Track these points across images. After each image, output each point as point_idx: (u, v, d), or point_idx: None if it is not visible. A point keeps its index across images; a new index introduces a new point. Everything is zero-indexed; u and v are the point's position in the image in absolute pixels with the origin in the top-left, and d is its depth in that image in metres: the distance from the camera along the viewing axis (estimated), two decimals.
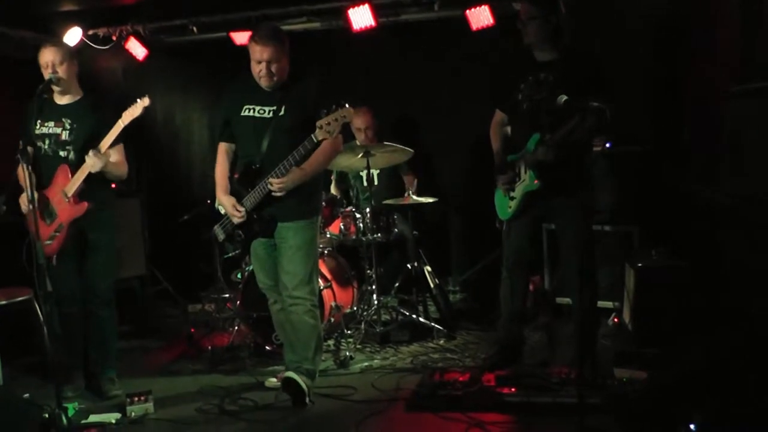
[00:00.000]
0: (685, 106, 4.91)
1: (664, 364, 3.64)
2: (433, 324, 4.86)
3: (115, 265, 4.28)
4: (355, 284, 5.03)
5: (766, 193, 3.52)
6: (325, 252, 5.00)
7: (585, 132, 3.63)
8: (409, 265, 5.12)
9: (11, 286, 4.16)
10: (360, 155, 4.77)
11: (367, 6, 5.46)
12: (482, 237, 5.58)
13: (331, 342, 4.81)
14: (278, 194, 3.62)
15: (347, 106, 3.44)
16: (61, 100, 4.00)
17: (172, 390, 4.14)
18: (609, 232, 4.86)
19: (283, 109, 3.67)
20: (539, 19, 3.73)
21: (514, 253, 4.05)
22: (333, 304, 4.70)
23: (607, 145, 4.85)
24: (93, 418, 3.72)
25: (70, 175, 3.85)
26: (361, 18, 5.50)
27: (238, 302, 4.83)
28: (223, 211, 3.88)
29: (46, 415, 3.45)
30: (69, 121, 3.94)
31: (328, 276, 4.77)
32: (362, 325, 4.82)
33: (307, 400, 3.73)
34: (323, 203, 4.85)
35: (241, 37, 5.72)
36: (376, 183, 5.34)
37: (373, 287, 4.90)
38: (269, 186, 3.61)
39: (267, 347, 4.57)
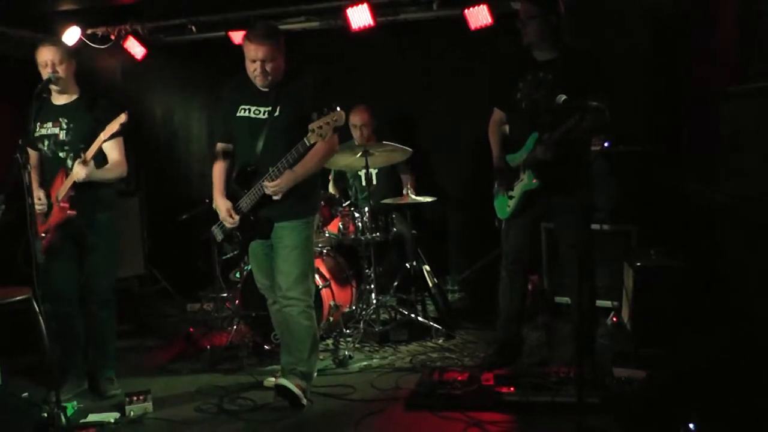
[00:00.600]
0: (684, 105, 4.91)
1: (663, 364, 3.65)
2: (431, 323, 4.86)
3: (115, 266, 4.26)
4: (354, 283, 5.03)
5: (764, 192, 3.52)
6: (324, 251, 5.00)
7: (584, 131, 3.63)
8: (407, 265, 5.13)
9: (10, 286, 4.15)
10: (358, 154, 4.77)
11: (365, 5, 5.46)
12: (481, 236, 5.58)
13: (329, 341, 4.81)
14: (274, 197, 3.60)
15: (338, 109, 3.41)
16: (59, 100, 3.99)
17: (171, 389, 4.13)
18: (608, 231, 4.86)
19: (278, 109, 3.64)
20: (538, 18, 3.74)
21: (512, 252, 4.05)
22: (332, 303, 4.70)
23: (606, 144, 4.85)
24: (92, 417, 3.71)
25: (64, 179, 3.84)
26: (359, 17, 5.50)
27: (237, 301, 4.84)
28: None
29: (45, 415, 3.44)
30: (66, 120, 3.93)
31: (327, 275, 4.78)
32: (361, 325, 4.83)
33: (304, 401, 3.71)
34: (322, 202, 4.87)
35: (239, 37, 5.68)
36: (374, 182, 5.34)
37: (372, 286, 4.90)
38: (264, 189, 3.60)
39: (266, 346, 4.56)
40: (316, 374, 3.91)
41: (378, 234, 4.86)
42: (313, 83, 3.75)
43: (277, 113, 3.64)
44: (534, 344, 4.47)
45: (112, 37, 6.10)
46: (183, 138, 6.82)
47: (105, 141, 3.77)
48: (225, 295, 5.27)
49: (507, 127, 4.08)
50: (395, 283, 5.18)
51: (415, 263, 5.11)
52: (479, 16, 5.34)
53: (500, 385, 3.66)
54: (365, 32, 5.58)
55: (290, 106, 3.63)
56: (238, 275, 5.00)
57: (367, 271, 4.98)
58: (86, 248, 3.99)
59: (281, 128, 3.62)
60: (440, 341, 4.75)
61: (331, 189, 5.71)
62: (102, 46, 6.12)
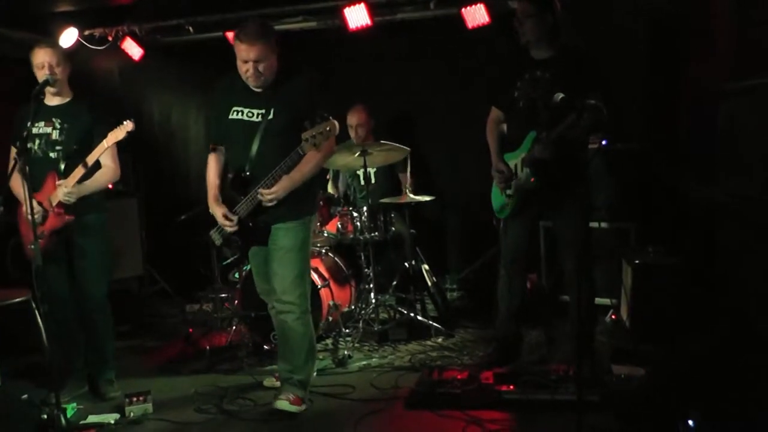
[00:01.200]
0: (682, 103, 4.92)
1: (662, 361, 3.65)
2: (431, 322, 4.87)
3: (108, 269, 4.19)
4: (353, 283, 5.03)
5: (762, 190, 3.53)
6: (323, 251, 5.00)
7: (582, 130, 3.63)
8: (406, 264, 5.13)
9: (9, 287, 4.15)
10: (357, 154, 4.77)
11: (362, 5, 5.46)
12: (479, 235, 5.59)
13: (329, 341, 4.81)
14: (270, 204, 3.52)
15: (331, 118, 3.35)
16: (52, 101, 3.94)
17: (171, 390, 4.14)
18: (606, 229, 4.87)
19: (272, 111, 3.53)
20: (535, 17, 3.74)
21: (511, 251, 4.06)
22: (331, 302, 4.70)
23: (604, 142, 4.85)
24: (92, 418, 3.71)
25: (56, 182, 3.80)
26: (357, 17, 5.51)
27: (236, 302, 4.84)
28: None
29: (45, 416, 3.45)
30: (59, 121, 3.89)
31: (326, 275, 4.78)
32: (360, 324, 4.83)
33: (303, 408, 3.66)
34: (320, 203, 4.87)
35: None
36: (373, 182, 5.34)
37: (371, 286, 4.90)
38: (260, 197, 3.51)
39: (265, 346, 4.57)
40: (315, 374, 3.90)
41: (377, 233, 4.86)
42: (308, 83, 3.63)
43: (271, 116, 3.53)
44: (533, 342, 4.47)
45: (110, 38, 6.09)
46: (181, 138, 6.81)
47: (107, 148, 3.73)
48: (224, 295, 5.26)
49: (505, 126, 4.08)
50: (394, 283, 5.18)
51: (414, 262, 5.12)
52: (476, 15, 5.35)
53: (500, 384, 3.66)
54: (363, 32, 5.59)
55: (284, 108, 3.53)
56: (237, 276, 5.00)
57: (366, 270, 4.99)
58: (77, 252, 3.94)
59: (275, 131, 3.52)
60: (439, 340, 4.75)
61: (329, 189, 5.71)
62: (99, 47, 6.12)
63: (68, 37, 5.78)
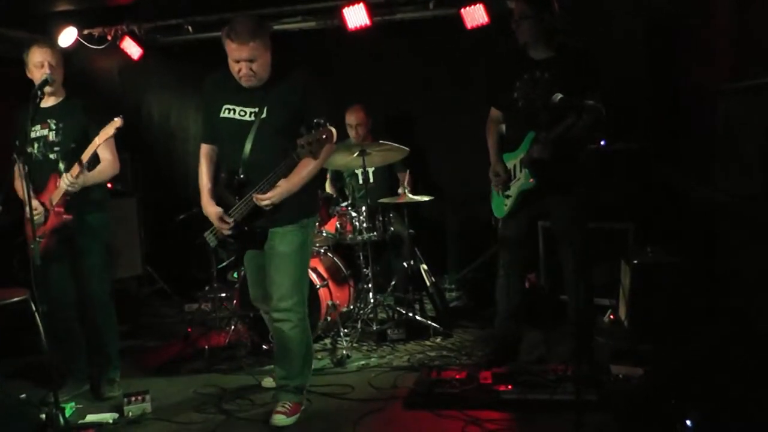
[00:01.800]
0: (681, 103, 4.92)
1: (660, 361, 3.66)
2: (429, 322, 4.87)
3: (109, 268, 4.16)
4: (352, 283, 5.03)
5: (760, 190, 3.54)
6: (321, 251, 5.00)
7: (581, 130, 3.64)
8: (405, 264, 5.13)
9: (8, 287, 4.15)
10: (355, 154, 4.77)
11: (362, 5, 5.46)
12: (478, 235, 5.59)
13: (327, 341, 4.81)
14: (266, 209, 3.40)
15: (328, 125, 3.21)
16: (47, 102, 3.90)
17: (170, 390, 4.13)
18: (605, 229, 4.87)
19: (265, 110, 3.36)
20: (532, 18, 3.74)
21: (510, 251, 4.06)
22: (329, 302, 4.70)
23: (603, 142, 4.86)
24: (90, 418, 3.71)
25: (57, 183, 3.79)
26: (356, 17, 5.51)
27: (235, 302, 4.84)
28: None
29: (43, 416, 3.44)
30: (54, 121, 3.87)
31: (325, 275, 4.78)
32: (359, 324, 4.83)
33: (300, 409, 3.63)
34: (320, 203, 4.86)
35: None
36: (371, 181, 5.34)
37: (370, 286, 4.90)
38: (255, 202, 3.37)
39: (264, 346, 4.57)
40: (311, 373, 3.88)
41: (375, 233, 4.86)
42: (304, 82, 3.43)
43: (264, 115, 3.37)
44: (532, 342, 4.47)
45: (109, 38, 6.10)
46: (180, 138, 6.81)
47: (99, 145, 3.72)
48: (223, 295, 5.27)
49: (504, 127, 4.08)
50: (393, 283, 5.19)
51: (412, 262, 5.12)
52: (475, 15, 5.36)
53: (498, 384, 3.67)
54: (362, 32, 5.59)
55: (279, 107, 3.37)
56: (235, 275, 4.99)
57: (364, 270, 4.99)
58: (78, 251, 3.94)
59: (269, 131, 3.37)
60: (438, 340, 4.75)
61: (328, 188, 5.71)
62: (99, 47, 6.12)
63: (67, 36, 5.78)
